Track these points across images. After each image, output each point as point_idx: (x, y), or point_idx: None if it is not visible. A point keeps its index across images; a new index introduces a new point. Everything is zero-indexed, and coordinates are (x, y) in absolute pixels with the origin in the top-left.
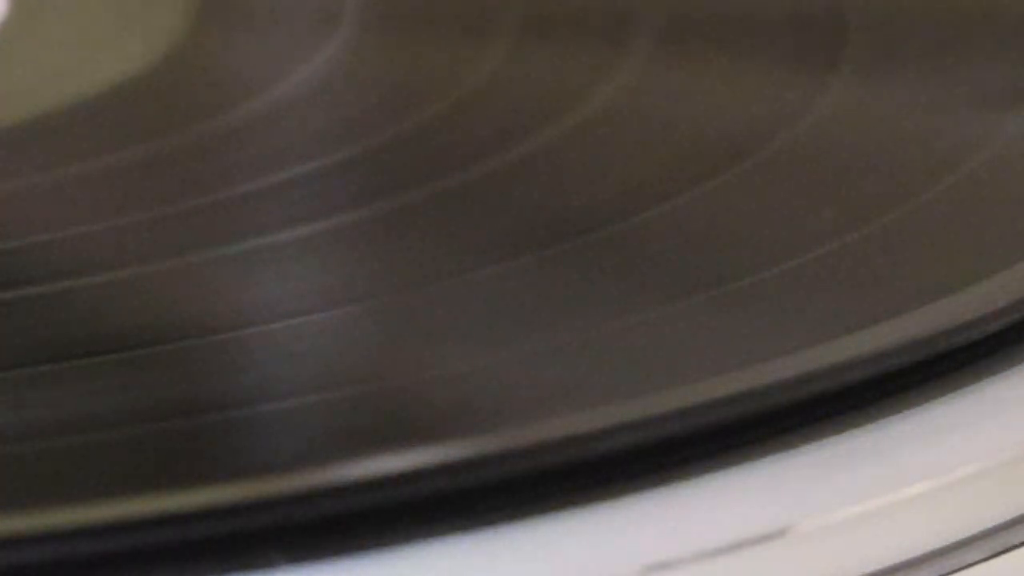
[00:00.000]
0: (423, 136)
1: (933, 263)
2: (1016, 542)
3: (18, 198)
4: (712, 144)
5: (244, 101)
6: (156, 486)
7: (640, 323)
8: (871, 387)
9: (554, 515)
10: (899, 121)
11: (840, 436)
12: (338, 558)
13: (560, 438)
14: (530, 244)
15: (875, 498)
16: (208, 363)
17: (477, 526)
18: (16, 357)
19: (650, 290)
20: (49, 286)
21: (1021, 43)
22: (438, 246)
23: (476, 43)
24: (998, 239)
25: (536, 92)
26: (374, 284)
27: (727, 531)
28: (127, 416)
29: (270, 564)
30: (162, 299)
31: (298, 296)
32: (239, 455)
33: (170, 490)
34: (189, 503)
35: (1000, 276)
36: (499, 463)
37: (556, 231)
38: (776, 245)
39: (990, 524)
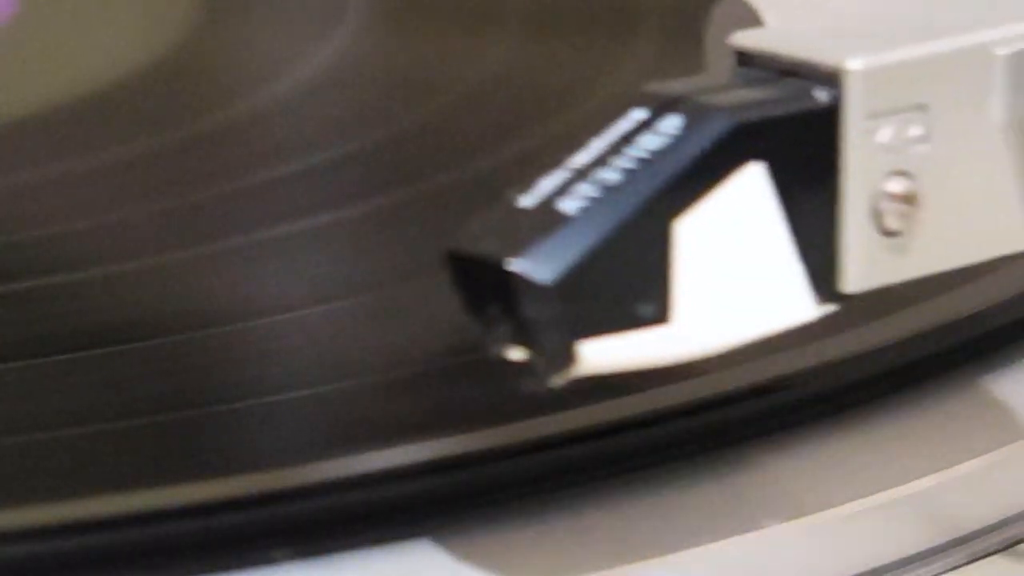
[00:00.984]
0: (427, 130)
1: None
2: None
3: (20, 192)
4: None
5: (250, 94)
6: (156, 480)
7: None
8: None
9: (556, 512)
10: None
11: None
12: (340, 552)
13: (559, 433)
14: None
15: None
16: (209, 356)
17: (480, 521)
18: (15, 350)
19: None
20: (48, 279)
21: None
22: (442, 240)
23: (480, 36)
24: None
25: (541, 86)
26: (378, 276)
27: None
28: (126, 410)
29: (271, 559)
30: (161, 293)
31: (300, 288)
32: (240, 449)
33: (170, 484)
34: (189, 497)
35: None
36: (504, 457)
37: None
38: None
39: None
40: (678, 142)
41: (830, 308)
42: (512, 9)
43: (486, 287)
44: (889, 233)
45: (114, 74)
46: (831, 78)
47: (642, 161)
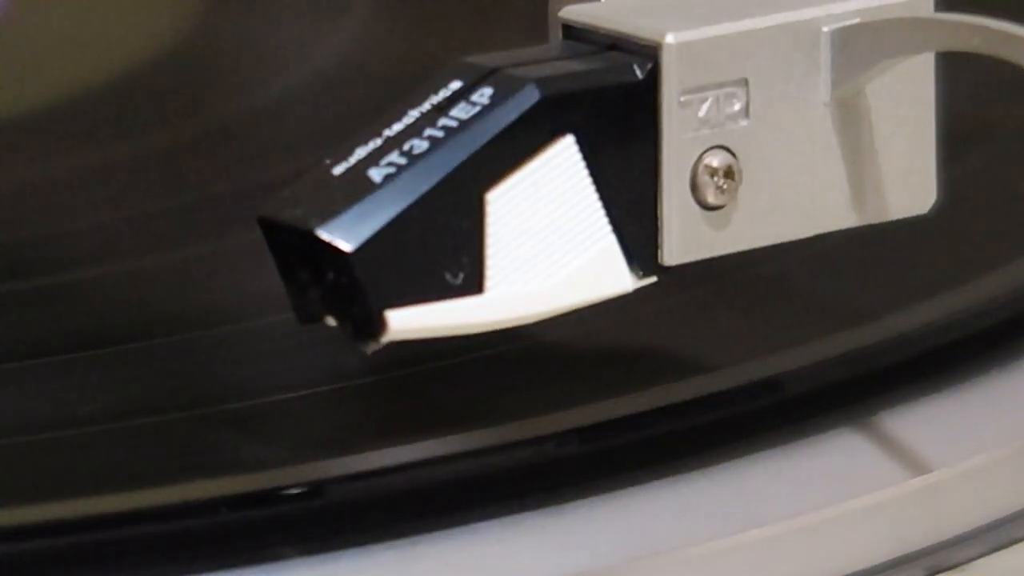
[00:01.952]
0: None
1: None
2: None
3: (20, 191)
4: None
5: (253, 90)
6: (156, 480)
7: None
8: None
9: (561, 506)
10: None
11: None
12: (345, 550)
13: (561, 431)
14: None
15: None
16: (209, 356)
17: (486, 516)
18: (15, 350)
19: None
20: (48, 279)
21: None
22: None
23: (484, 30)
24: None
25: None
26: None
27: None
28: (127, 409)
29: (279, 556)
30: (161, 293)
31: None
32: (244, 447)
33: (170, 484)
34: (189, 496)
35: None
36: (504, 454)
37: None
38: None
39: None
40: (487, 113)
41: (649, 280)
42: (517, 3)
43: (297, 254)
44: (709, 207)
45: (115, 70)
46: (650, 52)
47: (451, 131)
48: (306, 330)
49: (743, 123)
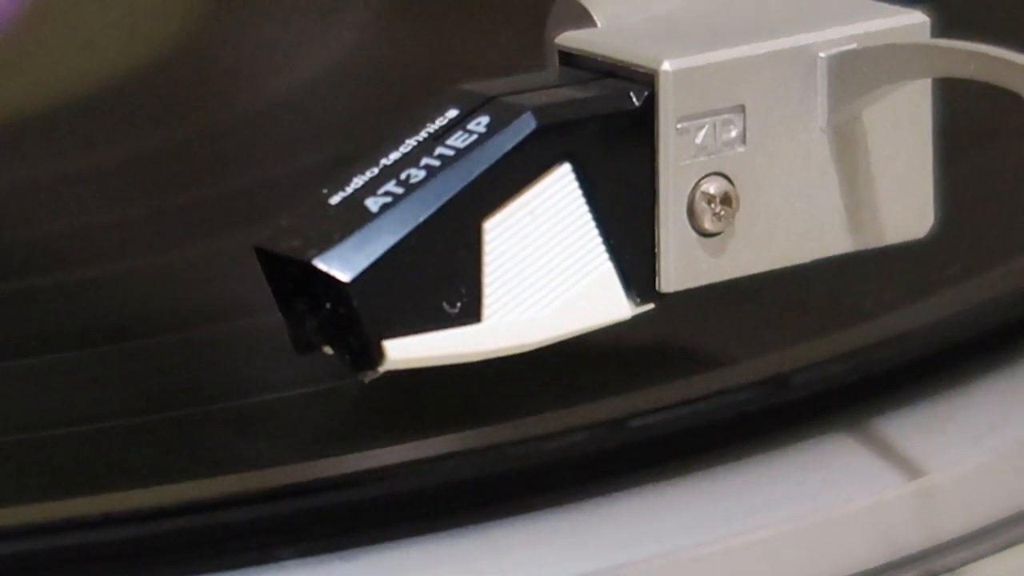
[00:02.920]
0: None
1: None
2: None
3: (20, 191)
4: None
5: (253, 91)
6: (156, 479)
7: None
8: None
9: (555, 508)
10: None
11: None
12: (345, 550)
13: (558, 432)
14: None
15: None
16: (209, 355)
17: (486, 517)
18: (15, 350)
19: None
20: (48, 279)
21: None
22: None
23: (484, 31)
24: None
25: None
26: None
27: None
28: (127, 409)
29: (276, 557)
30: (161, 292)
31: None
32: (241, 447)
33: (170, 483)
34: (189, 496)
35: None
36: (506, 454)
37: None
38: None
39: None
40: (483, 141)
41: (647, 307)
42: (517, 4)
43: (294, 284)
44: (706, 233)
45: (115, 70)
46: (646, 79)
47: (448, 160)
48: None
49: (740, 149)
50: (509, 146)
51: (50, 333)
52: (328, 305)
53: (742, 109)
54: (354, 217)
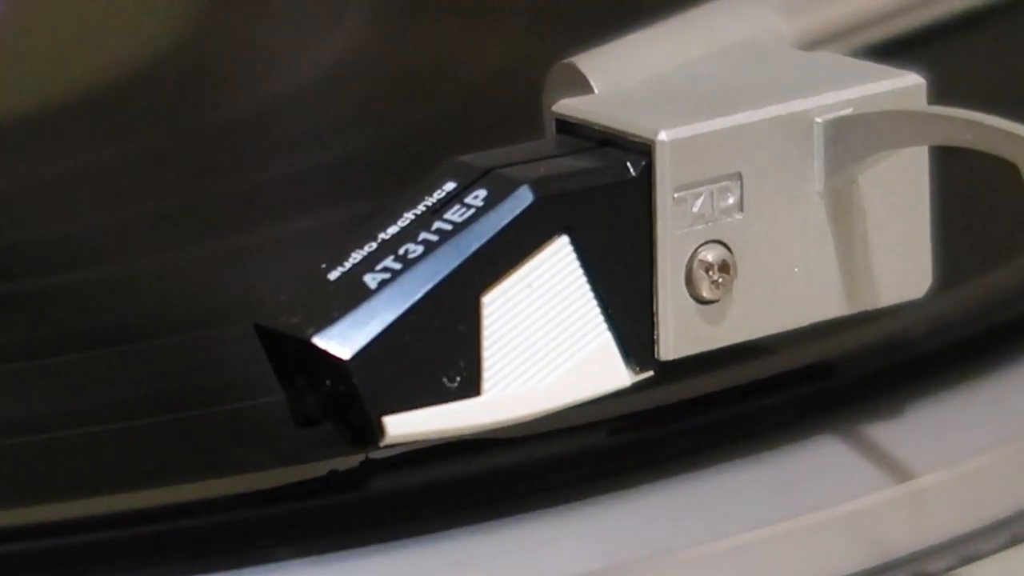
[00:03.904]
0: (430, 127)
1: None
2: None
3: (20, 192)
4: None
5: (251, 91)
6: (157, 480)
7: None
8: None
9: (549, 510)
10: None
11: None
12: (345, 551)
13: (552, 431)
14: None
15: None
16: (212, 355)
17: (485, 518)
18: (15, 350)
19: None
20: (47, 279)
21: None
22: None
23: (486, 30)
24: None
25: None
26: None
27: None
28: (126, 410)
29: (276, 557)
30: (161, 293)
31: None
32: (243, 446)
33: (171, 483)
34: (190, 496)
35: None
36: (502, 454)
37: None
38: None
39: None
40: (481, 215)
41: (646, 375)
42: (519, 3)
43: (294, 360)
44: (704, 301)
45: (115, 70)
46: (643, 148)
47: (445, 234)
48: None
49: (737, 217)
50: (506, 220)
51: (50, 334)
52: (328, 382)
53: (739, 176)
54: (353, 294)
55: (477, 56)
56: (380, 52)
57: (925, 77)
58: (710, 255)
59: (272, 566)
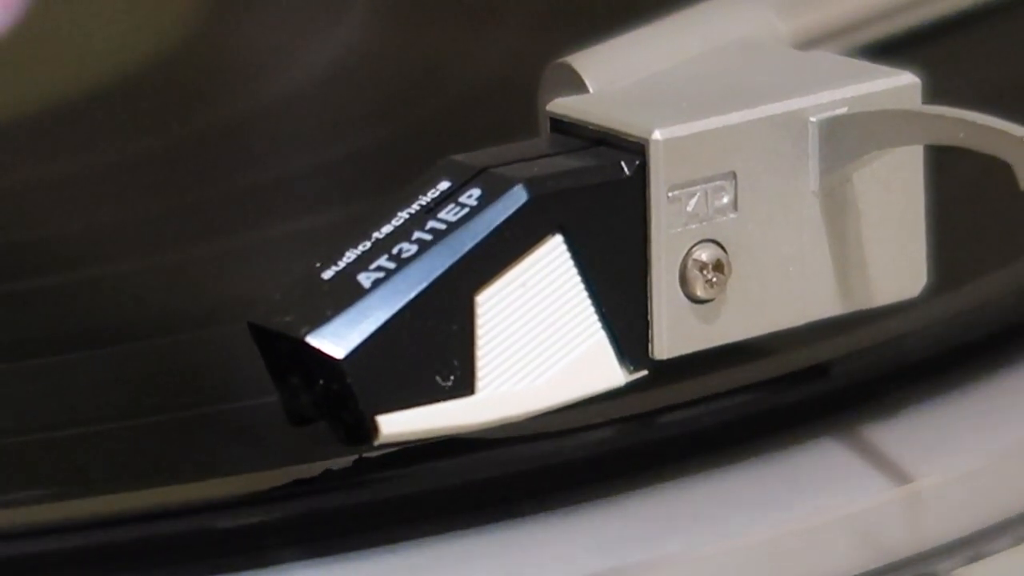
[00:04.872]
0: (431, 127)
1: None
2: None
3: (20, 192)
4: None
5: (252, 92)
6: (157, 480)
7: None
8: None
9: (559, 512)
10: None
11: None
12: (344, 552)
13: (555, 432)
14: None
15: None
16: (211, 356)
17: (485, 519)
18: (15, 350)
19: None
20: (47, 279)
21: None
22: None
23: (483, 31)
24: None
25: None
26: None
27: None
28: (126, 410)
29: (280, 559)
30: (161, 293)
31: None
32: (242, 447)
33: (171, 484)
34: (190, 497)
35: None
36: (504, 456)
37: None
38: None
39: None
40: (475, 215)
41: (640, 374)
42: (519, 3)
43: (287, 359)
44: (699, 300)
45: (115, 70)
46: (637, 147)
47: (440, 233)
48: None
49: (732, 216)
50: (501, 219)
51: (50, 334)
52: (321, 381)
53: (733, 175)
54: (346, 293)
55: (477, 56)
56: (380, 52)
57: (920, 76)
58: (704, 254)
59: (268, 566)
